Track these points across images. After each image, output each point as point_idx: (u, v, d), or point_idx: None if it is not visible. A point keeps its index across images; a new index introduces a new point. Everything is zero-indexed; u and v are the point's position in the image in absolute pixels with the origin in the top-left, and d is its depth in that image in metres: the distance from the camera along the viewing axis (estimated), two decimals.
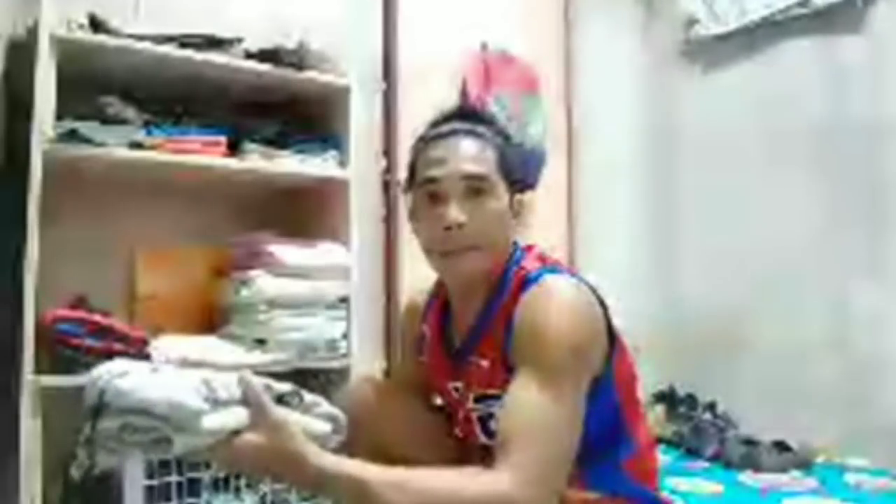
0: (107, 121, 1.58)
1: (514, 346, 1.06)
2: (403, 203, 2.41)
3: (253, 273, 1.74)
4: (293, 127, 1.92)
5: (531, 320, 1.04)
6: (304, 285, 1.76)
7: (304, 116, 1.99)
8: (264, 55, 1.80)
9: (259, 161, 1.78)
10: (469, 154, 1.13)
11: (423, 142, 1.20)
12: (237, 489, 1.64)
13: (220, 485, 1.62)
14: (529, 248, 1.21)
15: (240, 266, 1.81)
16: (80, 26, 1.61)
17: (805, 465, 2.25)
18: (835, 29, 2.48)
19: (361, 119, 2.04)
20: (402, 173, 2.36)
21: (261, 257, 1.76)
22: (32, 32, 1.52)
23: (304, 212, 2.05)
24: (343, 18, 2.25)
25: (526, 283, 1.10)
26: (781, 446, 2.29)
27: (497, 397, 1.08)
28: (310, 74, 1.84)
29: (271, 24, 1.99)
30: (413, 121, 2.38)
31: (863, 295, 2.37)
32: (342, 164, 1.89)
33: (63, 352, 1.49)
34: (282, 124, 1.90)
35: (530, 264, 1.15)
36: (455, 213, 1.09)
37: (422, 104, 2.44)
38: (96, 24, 1.62)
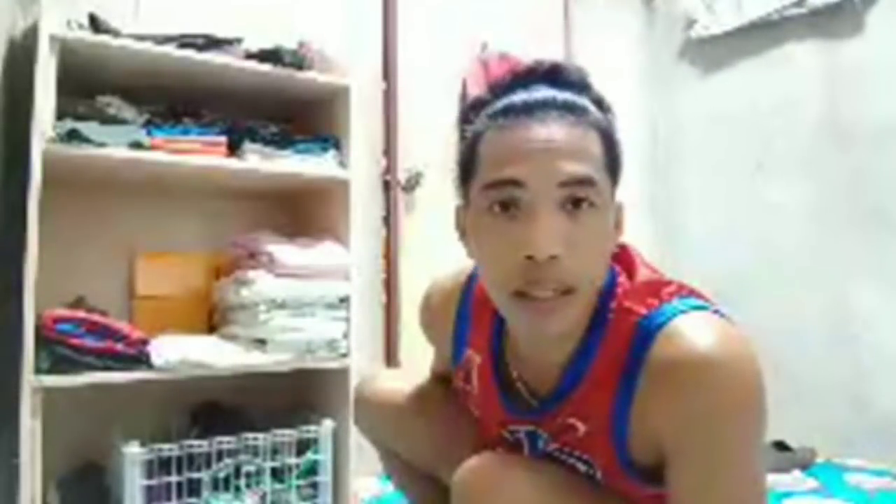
0: (107, 121, 1.57)
1: (661, 431, 0.76)
2: (403, 203, 2.45)
3: (253, 273, 1.73)
4: (293, 127, 1.92)
5: (701, 408, 0.72)
6: (304, 285, 1.76)
7: (305, 116, 1.99)
8: (264, 55, 1.79)
9: (259, 161, 1.77)
10: (569, 144, 0.75)
11: (490, 116, 0.79)
12: (237, 489, 1.64)
13: (219, 485, 1.62)
14: (616, 254, 0.86)
15: (240, 266, 1.81)
16: (80, 26, 1.61)
17: (805, 465, 2.25)
18: (833, 29, 2.48)
19: (361, 119, 2.04)
20: (402, 173, 2.38)
21: (261, 257, 1.76)
22: (32, 32, 1.52)
23: (304, 212, 2.05)
24: (343, 18, 2.26)
25: (646, 332, 0.77)
26: (781, 446, 2.29)
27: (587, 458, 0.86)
28: (310, 74, 1.84)
29: (271, 25, 1.99)
30: (413, 121, 2.43)
31: (863, 295, 2.37)
32: (342, 164, 1.89)
33: (63, 352, 1.49)
34: (282, 124, 1.90)
35: (634, 290, 0.82)
36: (546, 238, 0.73)
37: (422, 104, 2.47)
38: (96, 25, 1.62)
